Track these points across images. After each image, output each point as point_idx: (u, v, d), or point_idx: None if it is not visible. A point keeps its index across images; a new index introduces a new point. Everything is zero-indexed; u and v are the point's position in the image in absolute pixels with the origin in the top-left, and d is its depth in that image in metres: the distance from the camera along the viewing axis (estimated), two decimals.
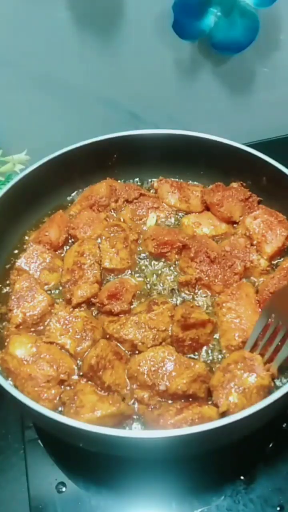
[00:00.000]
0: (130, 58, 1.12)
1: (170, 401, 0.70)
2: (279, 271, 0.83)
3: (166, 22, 1.05)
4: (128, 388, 0.72)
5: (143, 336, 0.75)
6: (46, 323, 0.78)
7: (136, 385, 0.71)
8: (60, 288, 0.85)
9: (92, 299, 0.81)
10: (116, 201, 0.97)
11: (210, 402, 0.70)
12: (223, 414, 0.67)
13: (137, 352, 0.75)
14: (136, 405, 0.71)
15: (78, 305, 0.80)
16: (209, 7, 1.03)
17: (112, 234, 0.89)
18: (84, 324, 0.77)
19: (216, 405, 0.68)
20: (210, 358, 0.76)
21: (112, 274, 0.86)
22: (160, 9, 1.05)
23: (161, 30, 1.08)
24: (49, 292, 0.84)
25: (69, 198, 1.02)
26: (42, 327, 0.79)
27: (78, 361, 0.75)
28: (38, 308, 0.79)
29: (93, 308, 0.82)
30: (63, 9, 1.02)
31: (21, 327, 0.78)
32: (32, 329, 0.78)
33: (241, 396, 0.67)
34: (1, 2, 0.98)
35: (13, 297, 0.80)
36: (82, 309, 0.80)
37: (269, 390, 0.68)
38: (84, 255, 0.84)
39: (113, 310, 0.79)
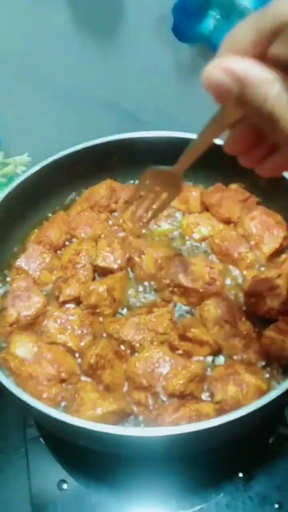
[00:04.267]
0: (130, 60, 1.12)
1: (167, 401, 0.70)
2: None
3: (165, 25, 1.05)
4: (126, 388, 0.73)
5: (141, 338, 0.75)
6: (43, 324, 0.78)
7: (133, 386, 0.72)
8: None
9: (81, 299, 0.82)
10: (116, 202, 0.97)
11: (208, 396, 0.71)
12: (217, 404, 0.68)
13: (136, 354, 0.75)
14: (135, 407, 0.71)
15: (64, 303, 0.81)
16: (209, 10, 1.04)
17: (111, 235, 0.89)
18: (81, 320, 0.78)
19: (212, 395, 0.69)
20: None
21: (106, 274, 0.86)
22: (159, 12, 1.06)
23: (160, 33, 1.08)
24: (47, 292, 0.84)
25: (70, 199, 1.02)
26: (37, 328, 0.79)
27: (79, 360, 0.75)
28: (33, 308, 0.79)
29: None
30: (63, 12, 1.03)
31: (14, 325, 0.78)
32: (28, 329, 0.79)
33: (238, 390, 0.68)
34: (1, 2, 0.99)
35: (9, 295, 0.81)
36: (73, 306, 0.81)
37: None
38: (80, 255, 0.85)
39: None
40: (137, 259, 0.85)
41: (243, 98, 0.41)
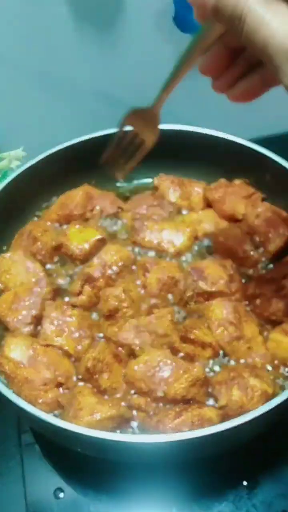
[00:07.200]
0: (130, 52, 1.11)
1: (168, 406, 0.68)
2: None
3: (167, 16, 1.04)
4: (124, 393, 0.70)
5: (141, 341, 0.73)
6: (41, 325, 0.76)
7: (133, 391, 0.69)
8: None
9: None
10: (92, 210, 0.92)
11: (210, 403, 0.69)
12: (221, 408, 0.66)
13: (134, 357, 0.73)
14: (134, 412, 0.69)
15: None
16: None
17: None
18: (79, 322, 0.75)
19: (215, 399, 0.68)
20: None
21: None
22: (161, 3, 1.04)
23: (162, 24, 1.07)
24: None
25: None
26: (38, 328, 0.77)
27: (77, 362, 0.73)
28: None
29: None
30: (62, 4, 1.01)
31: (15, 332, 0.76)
32: (27, 329, 0.76)
33: (242, 395, 0.66)
34: None
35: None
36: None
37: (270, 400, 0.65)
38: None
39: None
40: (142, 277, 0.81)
41: (218, 6, 0.47)
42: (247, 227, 0.87)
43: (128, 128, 0.72)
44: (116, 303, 0.76)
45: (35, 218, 0.95)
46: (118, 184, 1.01)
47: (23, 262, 0.83)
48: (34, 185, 0.92)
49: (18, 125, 1.10)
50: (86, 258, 0.85)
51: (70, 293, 0.81)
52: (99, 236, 0.85)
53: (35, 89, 1.09)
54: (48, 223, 0.92)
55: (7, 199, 0.87)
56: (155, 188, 0.98)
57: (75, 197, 0.93)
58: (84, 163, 0.97)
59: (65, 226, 0.91)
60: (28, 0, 0.97)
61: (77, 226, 0.87)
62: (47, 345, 0.73)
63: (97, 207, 0.92)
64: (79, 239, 0.85)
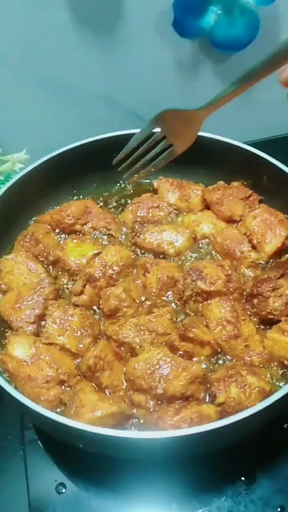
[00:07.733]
0: (130, 56, 1.11)
1: (168, 403, 0.69)
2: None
3: (166, 21, 1.05)
4: (125, 390, 0.71)
5: (141, 339, 0.74)
6: (43, 323, 0.78)
7: (133, 389, 0.70)
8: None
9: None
10: (84, 224, 0.93)
11: (208, 401, 0.70)
12: (219, 406, 0.67)
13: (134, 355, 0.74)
14: (135, 409, 0.70)
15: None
16: (210, 5, 1.03)
17: None
18: (81, 321, 0.76)
19: (214, 396, 0.68)
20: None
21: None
22: (160, 8, 1.05)
23: (161, 29, 1.08)
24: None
25: (69, 198, 1.01)
26: (41, 327, 0.78)
27: (78, 360, 0.74)
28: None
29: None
30: (63, 8, 1.02)
31: (18, 330, 0.77)
32: (30, 328, 0.77)
33: (240, 392, 0.67)
34: (1, 1, 0.98)
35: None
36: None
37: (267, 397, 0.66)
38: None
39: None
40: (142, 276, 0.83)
41: None
42: (244, 228, 0.89)
43: (156, 129, 0.63)
44: (117, 303, 0.78)
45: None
46: (118, 186, 1.02)
47: (26, 263, 0.84)
48: (37, 187, 0.94)
49: (21, 128, 1.11)
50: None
51: (71, 293, 0.82)
52: (96, 251, 0.85)
53: (38, 93, 1.10)
54: (46, 225, 0.93)
55: (10, 201, 0.88)
56: (154, 190, 1.00)
57: (72, 206, 0.93)
58: (86, 165, 0.99)
59: (63, 236, 0.92)
60: (30, 5, 0.98)
61: (74, 241, 0.88)
62: (50, 344, 0.74)
63: (89, 225, 0.93)
64: (76, 253, 0.86)
